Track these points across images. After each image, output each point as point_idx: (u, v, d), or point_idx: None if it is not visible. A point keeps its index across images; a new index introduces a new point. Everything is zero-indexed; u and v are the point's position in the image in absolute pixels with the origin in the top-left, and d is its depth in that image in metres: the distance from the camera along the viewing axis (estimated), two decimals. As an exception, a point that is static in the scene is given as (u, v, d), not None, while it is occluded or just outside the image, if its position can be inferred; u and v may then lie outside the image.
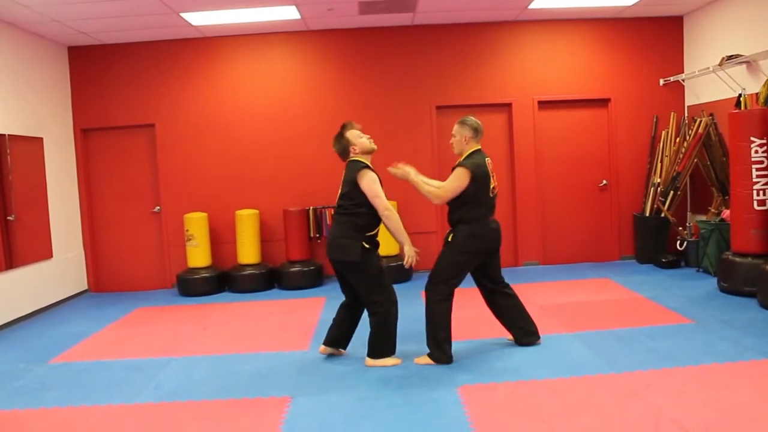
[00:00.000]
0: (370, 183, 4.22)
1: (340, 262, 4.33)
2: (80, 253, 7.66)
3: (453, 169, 4.41)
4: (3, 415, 3.84)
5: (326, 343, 4.63)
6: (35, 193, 6.74)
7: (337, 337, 4.61)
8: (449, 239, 4.40)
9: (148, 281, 7.79)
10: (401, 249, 4.36)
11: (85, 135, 7.68)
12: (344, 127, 4.42)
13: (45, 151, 6.94)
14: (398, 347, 4.50)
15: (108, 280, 7.81)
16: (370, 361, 4.41)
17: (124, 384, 4.28)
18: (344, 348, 4.67)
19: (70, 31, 6.85)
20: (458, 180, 4.32)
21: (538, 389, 3.81)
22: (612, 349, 4.50)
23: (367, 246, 4.25)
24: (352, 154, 4.37)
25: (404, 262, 4.31)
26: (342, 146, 4.40)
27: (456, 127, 4.47)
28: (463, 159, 4.41)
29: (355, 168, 4.29)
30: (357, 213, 4.27)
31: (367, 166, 4.31)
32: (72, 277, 7.45)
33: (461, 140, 4.44)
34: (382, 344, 4.39)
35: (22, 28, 6.62)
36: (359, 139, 4.37)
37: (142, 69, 7.60)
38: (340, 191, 4.39)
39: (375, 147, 4.42)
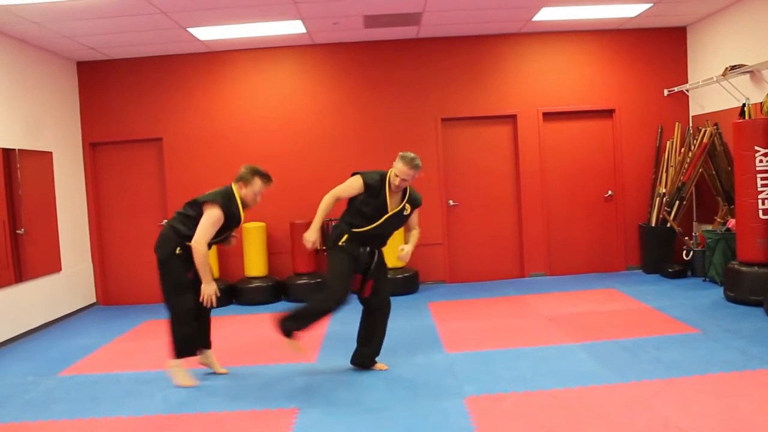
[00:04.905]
0: (207, 217, 4.27)
1: (157, 257, 4.45)
2: (89, 266, 7.71)
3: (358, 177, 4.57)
4: (13, 428, 3.87)
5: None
6: (44, 207, 6.81)
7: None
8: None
9: (156, 294, 7.62)
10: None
11: (93, 149, 7.76)
12: (266, 176, 4.47)
13: (54, 165, 7.02)
14: (401, 358, 4.51)
15: (116, 293, 7.86)
16: (169, 362, 4.49)
17: (133, 396, 4.31)
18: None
19: (79, 46, 6.95)
20: None
21: (544, 400, 3.82)
22: (618, 359, 4.50)
23: (178, 251, 4.35)
24: (238, 187, 4.43)
25: (201, 298, 4.38)
26: (244, 178, 4.43)
27: (413, 172, 4.57)
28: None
29: (219, 197, 4.34)
30: (186, 224, 4.36)
31: (226, 205, 4.32)
32: (81, 290, 7.50)
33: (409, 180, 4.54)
34: (174, 345, 4.46)
35: (32, 44, 6.71)
36: (255, 194, 4.45)
37: (150, 83, 7.68)
38: (194, 198, 4.44)
39: (249, 208, 4.51)
